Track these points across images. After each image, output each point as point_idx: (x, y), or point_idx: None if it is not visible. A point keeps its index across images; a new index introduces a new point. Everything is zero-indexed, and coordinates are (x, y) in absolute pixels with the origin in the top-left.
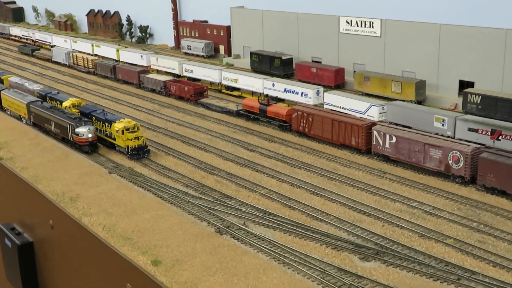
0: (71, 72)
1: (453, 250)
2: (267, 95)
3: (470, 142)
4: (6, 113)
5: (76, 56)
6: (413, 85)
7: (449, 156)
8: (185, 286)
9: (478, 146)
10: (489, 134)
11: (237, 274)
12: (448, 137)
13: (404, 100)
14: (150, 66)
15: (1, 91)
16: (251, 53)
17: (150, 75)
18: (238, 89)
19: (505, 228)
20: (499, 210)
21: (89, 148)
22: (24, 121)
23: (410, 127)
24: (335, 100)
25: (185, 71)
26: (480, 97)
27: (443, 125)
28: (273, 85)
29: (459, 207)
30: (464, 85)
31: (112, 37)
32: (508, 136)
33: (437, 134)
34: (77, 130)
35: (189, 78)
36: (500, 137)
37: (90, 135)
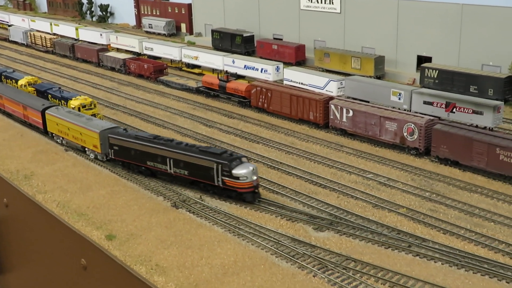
0: (29, 51)
1: (405, 219)
2: (227, 72)
3: (426, 115)
4: (55, 140)
5: (34, 35)
6: (372, 61)
7: (404, 129)
8: (139, 259)
9: (432, 118)
10: (443, 106)
11: (192, 246)
12: (404, 110)
13: (363, 76)
14: (110, 44)
15: (46, 111)
16: (213, 31)
17: (110, 53)
18: (198, 67)
19: (456, 197)
20: (452, 180)
21: (255, 196)
22: (93, 155)
23: (368, 102)
24: (295, 76)
25: (145, 49)
26: (437, 71)
27: (399, 98)
28: (233, 62)
29: (413, 178)
30: (422, 60)
31: (72, 17)
32: (462, 109)
33: (394, 107)
34: (235, 171)
35: (150, 56)
36: (454, 110)
37: (254, 177)
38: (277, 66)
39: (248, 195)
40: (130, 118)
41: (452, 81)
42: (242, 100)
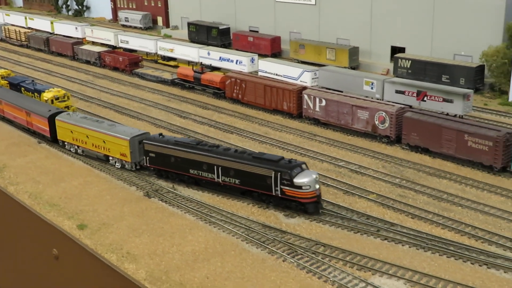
0: (3, 45)
1: (375, 205)
2: (202, 64)
3: (398, 104)
4: (67, 150)
5: (8, 29)
6: (346, 52)
7: (375, 117)
8: (110, 248)
9: (403, 106)
10: (415, 95)
11: (163, 234)
12: (377, 99)
13: (338, 67)
14: (85, 38)
15: (57, 117)
16: (189, 24)
17: (85, 46)
18: (174, 59)
19: (425, 183)
20: (422, 167)
21: (318, 207)
22: (119, 164)
23: (341, 92)
24: (269, 67)
25: (121, 42)
26: (410, 61)
27: (372, 88)
28: (209, 53)
29: (384, 165)
30: (396, 50)
31: (48, 11)
32: (433, 97)
33: (366, 97)
34: (297, 180)
35: (125, 49)
36: (425, 98)
37: (317, 186)
38: (252, 58)
39: (311, 206)
40: (105, 110)
41: (424, 70)
42: (217, 91)
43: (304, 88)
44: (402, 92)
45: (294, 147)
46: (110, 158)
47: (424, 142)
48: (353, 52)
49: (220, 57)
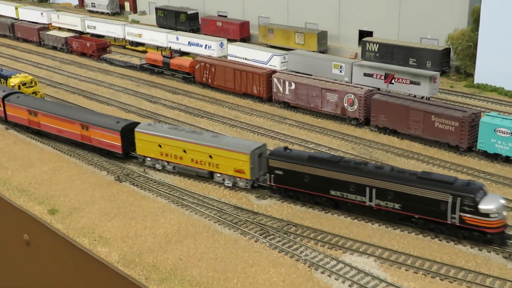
0: None
1: None
2: (170, 49)
3: (366, 86)
4: (142, 163)
5: None
6: (315, 36)
7: (344, 99)
8: (82, 232)
9: (371, 88)
10: (383, 78)
11: (135, 217)
12: (346, 82)
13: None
14: (51, 23)
15: (136, 129)
16: (157, 9)
17: (51, 32)
18: (142, 44)
19: (394, 163)
20: (390, 148)
21: (504, 237)
22: (230, 182)
23: (311, 75)
24: (239, 52)
25: (88, 27)
26: (378, 45)
27: (340, 71)
28: (177, 38)
29: (353, 147)
30: (364, 34)
31: None
32: (401, 79)
33: (335, 80)
34: (483, 206)
35: (93, 35)
36: (393, 81)
37: (505, 213)
38: (221, 42)
39: (498, 237)
40: (73, 96)
41: (392, 54)
42: (186, 76)
43: (274, 72)
44: (370, 75)
45: (264, 130)
46: (218, 175)
47: (392, 124)
48: (322, 36)
49: (189, 42)
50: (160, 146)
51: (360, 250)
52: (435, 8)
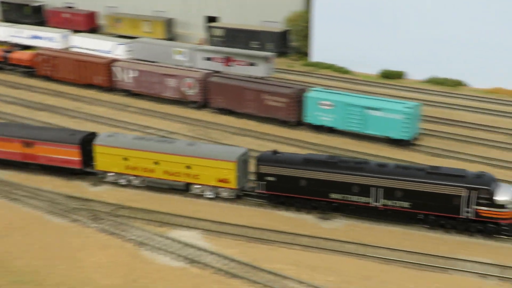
0: None
1: None
2: (10, 43)
3: (208, 70)
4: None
5: None
6: (162, 23)
7: (183, 84)
8: None
9: (209, 72)
10: (222, 61)
11: None
12: (188, 67)
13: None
14: None
15: (95, 142)
16: (1, 3)
17: None
18: None
19: (231, 142)
20: (227, 127)
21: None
22: (212, 194)
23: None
24: (82, 43)
25: None
26: (222, 30)
27: (184, 57)
28: (19, 32)
29: (192, 129)
30: (211, 20)
31: None
32: (238, 62)
33: (178, 66)
34: (499, 198)
35: None
36: (232, 63)
37: None
38: (64, 34)
39: (509, 227)
40: None
41: (235, 38)
42: (27, 70)
43: (115, 60)
44: (210, 59)
45: (106, 119)
46: (197, 186)
47: (229, 104)
48: (169, 24)
49: (32, 35)
50: (125, 159)
51: (187, 224)
52: None
